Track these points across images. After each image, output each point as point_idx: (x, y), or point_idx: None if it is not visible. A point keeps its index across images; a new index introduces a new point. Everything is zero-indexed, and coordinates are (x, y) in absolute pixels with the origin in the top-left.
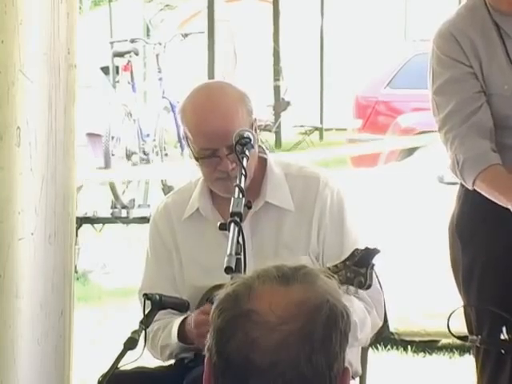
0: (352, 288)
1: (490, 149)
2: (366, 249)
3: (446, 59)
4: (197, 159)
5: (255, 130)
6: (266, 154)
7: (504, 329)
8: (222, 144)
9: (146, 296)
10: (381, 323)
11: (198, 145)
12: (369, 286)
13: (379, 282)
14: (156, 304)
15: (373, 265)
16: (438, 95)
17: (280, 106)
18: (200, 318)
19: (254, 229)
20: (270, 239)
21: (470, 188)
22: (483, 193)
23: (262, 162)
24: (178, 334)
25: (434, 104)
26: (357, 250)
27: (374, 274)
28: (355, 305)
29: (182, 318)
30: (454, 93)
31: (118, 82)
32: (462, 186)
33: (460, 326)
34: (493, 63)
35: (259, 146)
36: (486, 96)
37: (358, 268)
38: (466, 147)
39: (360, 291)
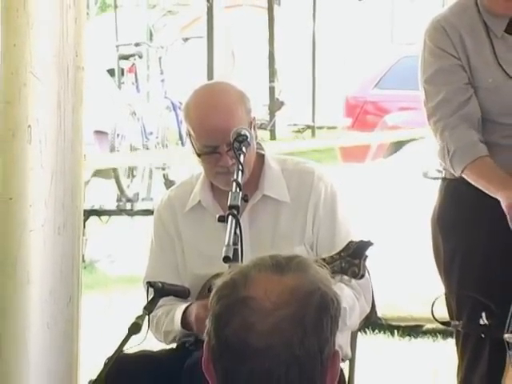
0: (346, 277)
1: (478, 140)
2: (361, 241)
3: (436, 50)
4: (199, 155)
5: (254, 128)
6: (263, 150)
7: (483, 314)
8: (222, 141)
9: (150, 284)
10: (368, 309)
11: (200, 142)
12: (362, 277)
13: (368, 271)
14: (158, 291)
15: (366, 256)
16: (428, 84)
17: (275, 105)
18: (201, 315)
19: (252, 220)
20: (267, 230)
21: (457, 175)
22: (471, 181)
23: (260, 158)
24: (181, 321)
25: (424, 93)
26: (351, 242)
27: (366, 264)
28: (345, 292)
29: (184, 306)
30: (444, 83)
31: (123, 83)
32: (443, 180)
33: (443, 311)
34: (479, 58)
35: (257, 143)
36: (472, 89)
37: (352, 259)
38: (456, 137)
39: (353, 281)
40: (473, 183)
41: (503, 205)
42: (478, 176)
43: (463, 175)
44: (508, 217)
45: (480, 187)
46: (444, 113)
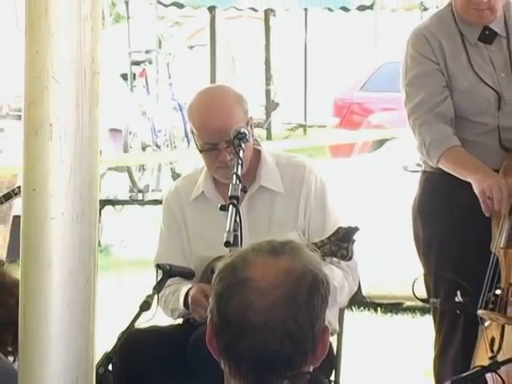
0: (335, 259)
1: (451, 133)
2: (349, 227)
3: (417, 56)
4: (201, 151)
5: (251, 126)
6: (260, 146)
7: (458, 293)
8: (222, 139)
9: (158, 266)
10: (356, 288)
11: (202, 139)
12: (350, 258)
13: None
14: (166, 273)
15: (354, 240)
16: (409, 86)
17: (270, 106)
18: (196, 297)
19: (250, 208)
20: (263, 217)
21: (434, 165)
22: (446, 169)
23: (257, 153)
24: (184, 302)
25: (405, 94)
26: (340, 227)
27: (353, 247)
28: (335, 272)
29: (187, 287)
30: (423, 85)
31: (134, 86)
32: (423, 173)
33: (422, 291)
34: (456, 64)
35: (255, 140)
36: (448, 91)
37: (341, 243)
38: (432, 131)
39: (342, 262)
40: (448, 171)
41: (476, 190)
42: (453, 163)
43: (439, 165)
44: (480, 201)
45: (454, 173)
46: (422, 111)
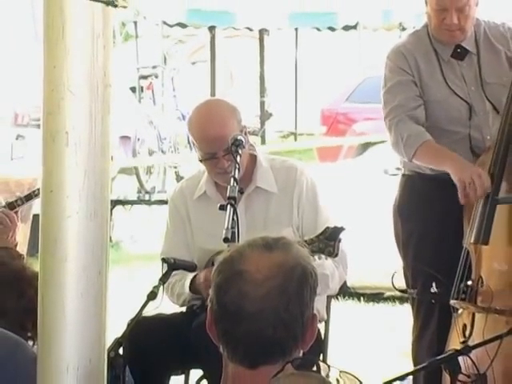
0: (323, 256)
1: (425, 131)
2: (335, 227)
3: (395, 68)
4: (201, 160)
5: (245, 134)
6: (255, 151)
7: (434, 284)
8: (219, 148)
9: (164, 260)
10: (346, 276)
11: (201, 149)
12: (336, 255)
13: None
14: (171, 266)
15: (340, 239)
16: (387, 93)
17: (264, 116)
18: (208, 274)
19: (247, 208)
20: (259, 215)
21: (409, 160)
22: (422, 161)
23: (253, 158)
24: (190, 287)
25: (383, 100)
26: (328, 227)
27: (340, 244)
28: (326, 263)
29: (192, 275)
30: (400, 92)
31: (142, 98)
32: (402, 175)
33: (401, 282)
34: (431, 78)
35: (251, 145)
36: (422, 100)
37: (328, 241)
38: (407, 128)
39: (330, 258)
40: (424, 163)
41: (454, 178)
42: (428, 154)
43: (415, 159)
44: (459, 189)
45: (430, 165)
46: (398, 112)
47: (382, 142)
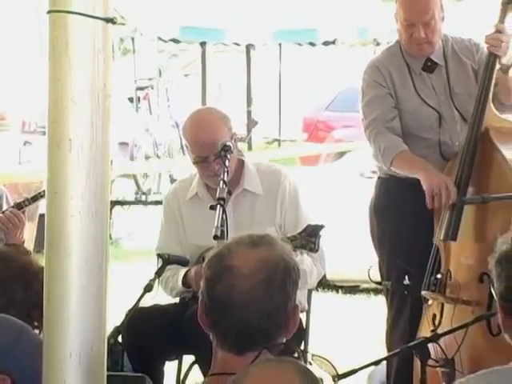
0: (305, 251)
1: (401, 141)
2: (315, 225)
3: (372, 82)
4: (193, 163)
5: (234, 140)
6: (243, 156)
7: (406, 277)
8: (210, 152)
9: (159, 255)
10: (324, 272)
11: (194, 153)
12: (316, 251)
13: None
14: (165, 260)
15: (320, 236)
16: (366, 107)
17: (251, 124)
18: (198, 270)
19: (235, 207)
20: (246, 215)
21: (387, 168)
22: (398, 169)
23: (241, 162)
24: (182, 281)
25: (362, 113)
26: (309, 225)
27: (320, 241)
28: (306, 260)
29: (184, 270)
30: (377, 106)
31: (139, 107)
32: (378, 178)
33: (376, 275)
34: (404, 90)
35: (239, 151)
36: (397, 111)
37: (309, 238)
38: (385, 139)
39: (310, 253)
40: (399, 171)
41: (424, 185)
42: (404, 163)
43: (392, 166)
44: (427, 195)
45: (405, 172)
46: (376, 124)
47: (358, 148)
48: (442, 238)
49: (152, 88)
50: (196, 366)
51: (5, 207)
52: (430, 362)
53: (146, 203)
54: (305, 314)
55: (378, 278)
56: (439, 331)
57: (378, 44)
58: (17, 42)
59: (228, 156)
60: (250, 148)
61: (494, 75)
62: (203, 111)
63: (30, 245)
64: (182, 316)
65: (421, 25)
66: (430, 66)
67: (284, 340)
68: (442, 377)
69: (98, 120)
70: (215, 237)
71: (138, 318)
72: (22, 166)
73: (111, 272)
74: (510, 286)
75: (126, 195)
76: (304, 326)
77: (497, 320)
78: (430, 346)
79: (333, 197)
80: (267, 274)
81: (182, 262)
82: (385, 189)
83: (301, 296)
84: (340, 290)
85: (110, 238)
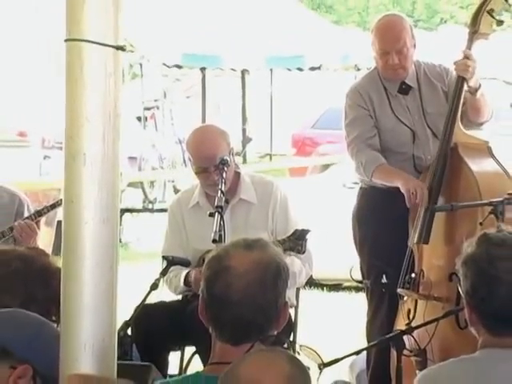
0: (293, 253)
1: (380, 156)
2: (302, 229)
3: (354, 105)
4: (195, 173)
5: (232, 154)
6: (240, 169)
7: (384, 276)
8: (210, 164)
9: (164, 257)
10: (311, 272)
11: (196, 164)
12: (303, 253)
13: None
14: (169, 262)
15: (306, 239)
16: (348, 126)
17: (246, 140)
18: (197, 276)
19: (232, 215)
20: (241, 221)
21: (369, 179)
22: (379, 180)
23: (237, 174)
24: (184, 281)
25: (345, 132)
26: (297, 229)
27: (307, 244)
28: (295, 261)
29: (186, 271)
30: (358, 125)
31: (146, 125)
32: (360, 188)
33: (357, 274)
34: (382, 110)
35: (235, 165)
36: (376, 130)
37: (297, 241)
38: (366, 154)
39: (298, 255)
40: (380, 181)
41: (402, 189)
42: (383, 174)
43: (373, 178)
44: (406, 196)
45: (385, 182)
46: (358, 142)
47: (341, 162)
48: (415, 241)
49: (158, 108)
50: (197, 356)
51: (26, 214)
52: (405, 351)
53: (152, 211)
54: (293, 309)
55: (359, 277)
56: (413, 324)
57: (358, 69)
58: (36, 67)
59: (225, 169)
60: (244, 161)
61: (462, 96)
62: (205, 127)
63: (48, 249)
64: (184, 311)
65: (394, 52)
66: (404, 89)
67: (275, 332)
68: (415, 365)
69: (109, 136)
70: (214, 241)
71: (145, 313)
72: (42, 178)
73: (121, 272)
74: (474, 284)
75: (134, 204)
76: (293, 320)
77: (464, 315)
78: (405, 337)
79: (319, 205)
80: (261, 273)
81: (184, 264)
82: (366, 198)
83: (290, 293)
84: (325, 288)
85: (120, 241)
